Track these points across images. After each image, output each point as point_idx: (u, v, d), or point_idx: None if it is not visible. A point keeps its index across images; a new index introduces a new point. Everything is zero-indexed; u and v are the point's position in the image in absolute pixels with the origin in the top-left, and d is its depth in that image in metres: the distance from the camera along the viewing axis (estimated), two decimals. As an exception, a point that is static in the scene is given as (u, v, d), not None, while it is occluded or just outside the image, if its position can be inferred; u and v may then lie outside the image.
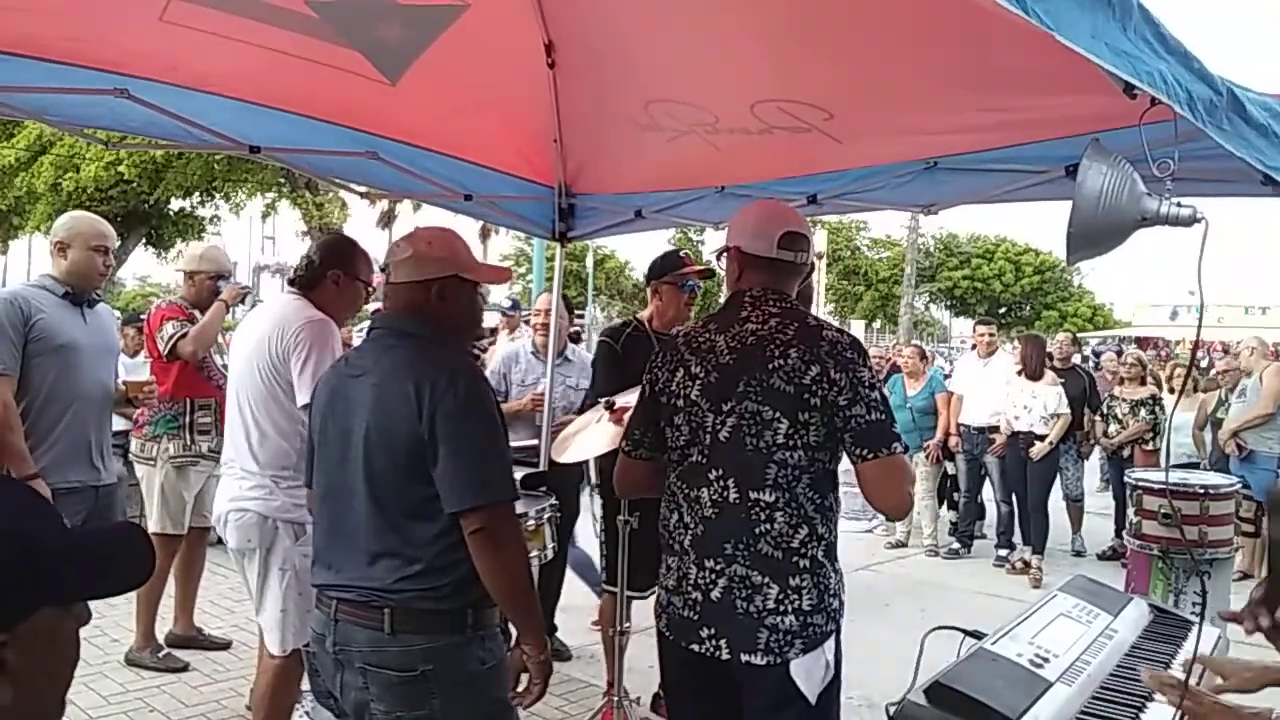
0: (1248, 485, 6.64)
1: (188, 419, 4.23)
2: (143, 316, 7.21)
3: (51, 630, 0.84)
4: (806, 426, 1.98)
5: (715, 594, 2.01)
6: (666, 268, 3.86)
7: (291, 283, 3.10)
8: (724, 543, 2.00)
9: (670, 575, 2.12)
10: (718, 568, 2.01)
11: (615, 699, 3.41)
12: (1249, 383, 6.89)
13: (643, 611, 3.84)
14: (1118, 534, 7.05)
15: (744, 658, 1.97)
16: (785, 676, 1.97)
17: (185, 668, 4.23)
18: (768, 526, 1.98)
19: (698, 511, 2.05)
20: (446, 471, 1.91)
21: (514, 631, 2.07)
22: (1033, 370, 6.92)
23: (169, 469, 4.21)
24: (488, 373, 4.73)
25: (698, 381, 2.08)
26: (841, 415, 1.96)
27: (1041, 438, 6.76)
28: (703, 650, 2.02)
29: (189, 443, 4.23)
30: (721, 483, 2.02)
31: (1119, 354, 11.91)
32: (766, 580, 1.97)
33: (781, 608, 1.97)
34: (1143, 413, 7.26)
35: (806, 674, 1.98)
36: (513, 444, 2.30)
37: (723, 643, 1.99)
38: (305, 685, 2.64)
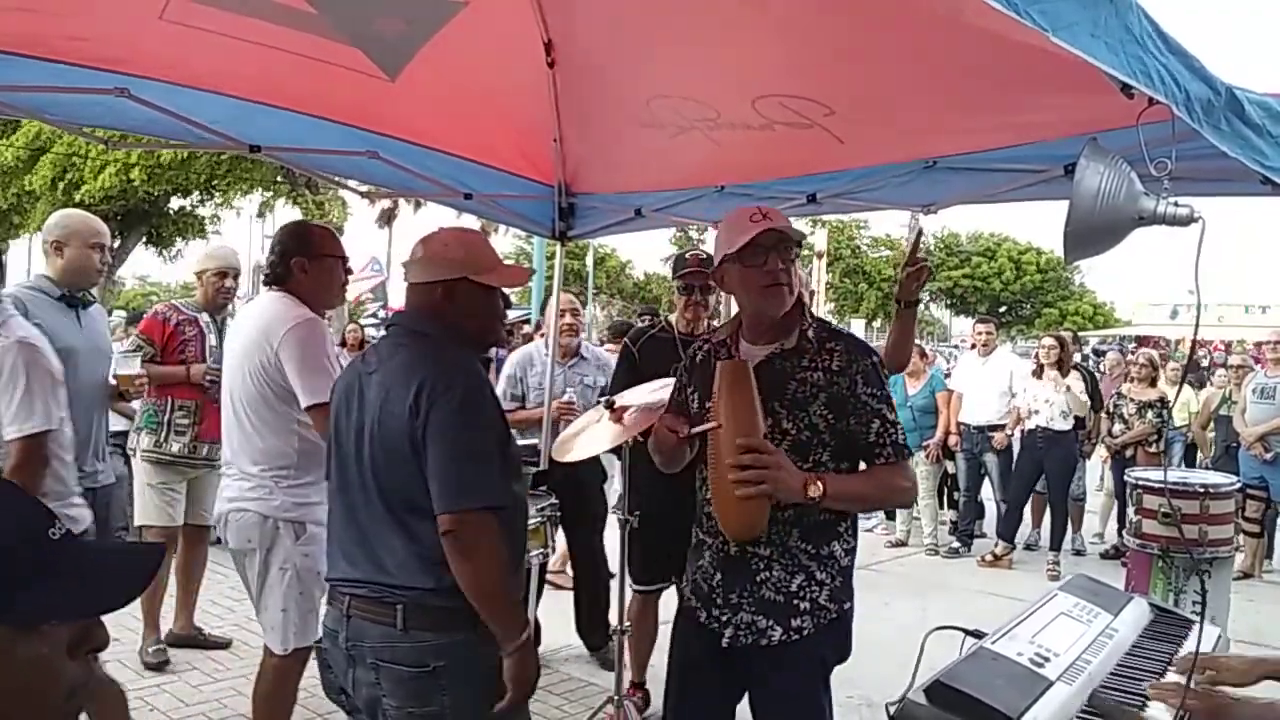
0: (1266, 486, 6.64)
1: (166, 417, 4.25)
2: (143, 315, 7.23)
3: None
4: None
5: None
6: (673, 270, 3.84)
7: (266, 280, 3.03)
8: None
9: None
10: None
11: (617, 697, 3.41)
12: (1268, 382, 6.75)
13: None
14: (1118, 533, 7.04)
15: None
16: None
17: (164, 665, 4.20)
18: None
19: None
20: (432, 472, 1.92)
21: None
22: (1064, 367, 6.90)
23: (144, 464, 4.26)
24: (503, 376, 4.69)
25: None
26: None
27: (1058, 434, 6.77)
28: None
29: (160, 440, 4.23)
30: None
31: (1123, 353, 11.88)
32: None
33: None
34: (1149, 415, 7.13)
35: None
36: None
37: None
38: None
